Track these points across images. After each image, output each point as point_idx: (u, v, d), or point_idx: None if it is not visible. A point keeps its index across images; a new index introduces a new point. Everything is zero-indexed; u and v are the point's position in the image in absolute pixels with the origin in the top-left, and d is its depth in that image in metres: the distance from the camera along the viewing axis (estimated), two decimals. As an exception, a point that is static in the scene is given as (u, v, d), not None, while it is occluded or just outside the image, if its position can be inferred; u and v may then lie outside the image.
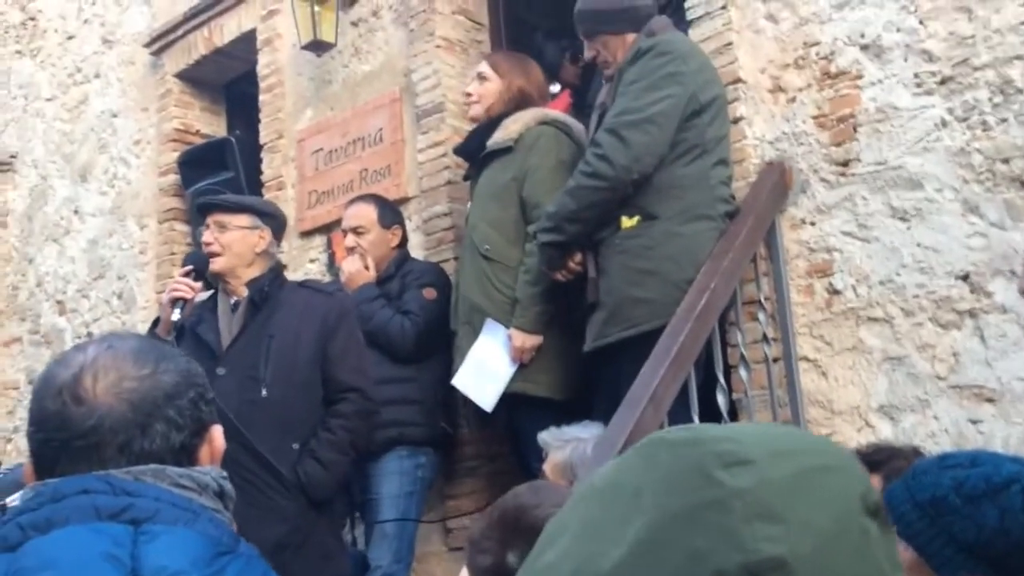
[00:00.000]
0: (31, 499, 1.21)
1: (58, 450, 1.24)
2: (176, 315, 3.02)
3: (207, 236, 3.17)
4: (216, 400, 3.04)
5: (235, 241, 3.16)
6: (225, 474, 1.36)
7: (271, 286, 3.16)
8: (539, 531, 1.43)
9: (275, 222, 3.33)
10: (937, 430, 2.93)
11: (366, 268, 3.83)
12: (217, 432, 1.39)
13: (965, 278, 2.92)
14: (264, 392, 2.99)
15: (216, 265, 3.15)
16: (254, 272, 3.18)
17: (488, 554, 1.44)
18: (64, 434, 1.24)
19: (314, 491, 3.00)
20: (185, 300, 3.06)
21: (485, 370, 3.40)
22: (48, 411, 1.25)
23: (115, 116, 6.19)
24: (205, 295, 3.25)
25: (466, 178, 3.98)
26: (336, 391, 3.12)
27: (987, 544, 1.61)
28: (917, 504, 1.69)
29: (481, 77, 3.64)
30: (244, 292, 3.15)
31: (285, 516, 2.94)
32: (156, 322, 3.20)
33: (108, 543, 1.15)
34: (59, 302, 6.32)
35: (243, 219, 3.20)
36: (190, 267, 3.11)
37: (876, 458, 2.34)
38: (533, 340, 3.36)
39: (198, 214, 3.33)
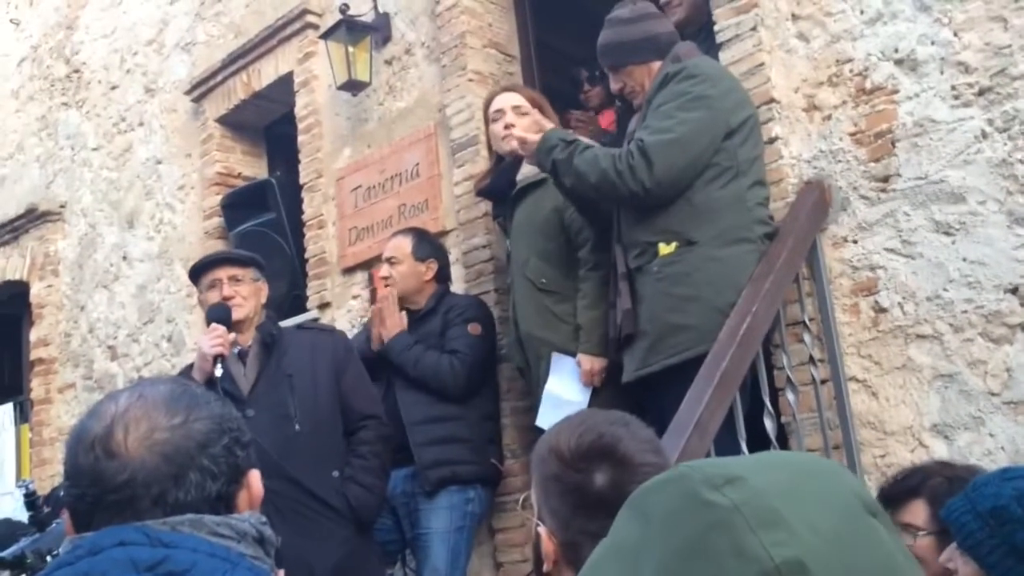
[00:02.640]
0: (69, 552, 1.22)
1: (93, 505, 1.24)
2: (219, 370, 3.12)
3: (227, 290, 3.29)
4: (258, 440, 3.10)
5: (252, 293, 3.34)
6: (265, 519, 1.35)
7: (275, 330, 3.35)
8: (629, 461, 1.50)
9: (266, 275, 3.51)
10: (993, 447, 2.85)
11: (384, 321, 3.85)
12: (255, 478, 1.38)
13: (1015, 291, 2.85)
14: (297, 427, 3.16)
15: (239, 313, 3.27)
16: (257, 322, 3.35)
17: (580, 473, 1.52)
18: (98, 489, 1.24)
19: (364, 513, 3.19)
20: (224, 356, 3.16)
21: (561, 404, 3.36)
22: (81, 466, 1.25)
23: (159, 163, 6.31)
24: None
25: (495, 216, 3.97)
26: (355, 420, 3.32)
27: None
28: (978, 515, 1.65)
29: (519, 111, 3.57)
30: (249, 339, 3.31)
31: (340, 542, 3.12)
32: (189, 368, 3.32)
33: (146, 597, 1.15)
34: (110, 347, 6.43)
35: (252, 272, 3.38)
36: (223, 325, 3.20)
37: (910, 483, 2.27)
38: (601, 363, 3.33)
39: (197, 272, 3.39)
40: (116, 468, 1.23)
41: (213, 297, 3.28)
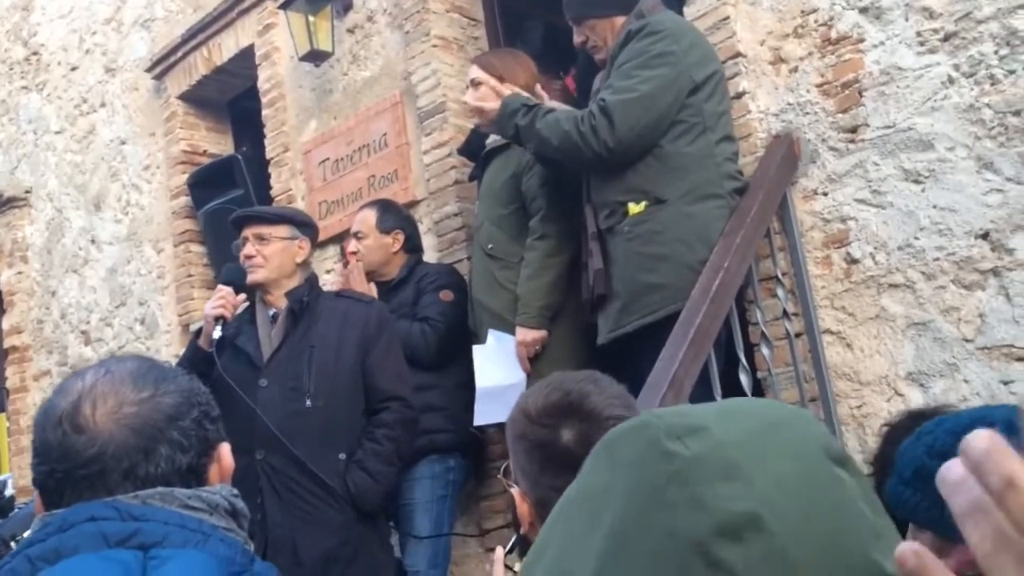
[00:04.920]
0: (39, 530, 1.20)
1: (62, 481, 1.23)
2: (218, 332, 3.03)
3: (248, 249, 3.16)
4: (260, 413, 3.02)
5: (277, 253, 3.17)
6: (236, 492, 1.34)
7: (309, 296, 3.16)
8: (597, 416, 1.49)
9: (312, 232, 3.35)
10: (968, 393, 2.87)
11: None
12: (225, 451, 1.37)
13: (985, 236, 2.86)
14: (308, 402, 3.00)
15: (258, 276, 3.15)
16: (293, 283, 3.18)
17: (546, 429, 1.52)
18: (67, 464, 1.22)
19: (364, 502, 3.00)
20: (226, 319, 3.06)
21: (499, 395, 3.28)
22: (49, 442, 1.24)
23: (123, 143, 6.22)
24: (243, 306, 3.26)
25: (471, 178, 3.95)
26: (378, 400, 3.12)
27: None
28: (907, 483, 1.71)
29: (475, 83, 3.47)
30: (283, 303, 3.15)
31: (334, 528, 2.95)
32: (198, 333, 3.21)
33: (118, 571, 1.13)
34: (84, 332, 6.37)
35: (283, 230, 3.20)
36: (229, 286, 3.11)
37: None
38: (535, 335, 3.32)
39: (232, 227, 3.31)
40: (85, 443, 1.22)
41: (241, 256, 3.18)
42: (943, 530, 1.63)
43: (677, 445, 0.58)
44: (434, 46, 4.36)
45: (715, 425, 0.60)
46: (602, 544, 0.58)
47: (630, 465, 0.60)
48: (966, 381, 2.87)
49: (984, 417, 1.69)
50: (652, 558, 0.56)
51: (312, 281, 3.27)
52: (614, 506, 0.59)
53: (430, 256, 4.18)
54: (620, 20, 3.12)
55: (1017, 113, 2.81)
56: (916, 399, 2.93)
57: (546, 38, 4.20)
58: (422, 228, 4.20)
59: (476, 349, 3.44)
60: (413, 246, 3.95)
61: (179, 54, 5.68)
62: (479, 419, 3.46)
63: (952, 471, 0.50)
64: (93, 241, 6.38)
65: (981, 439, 0.48)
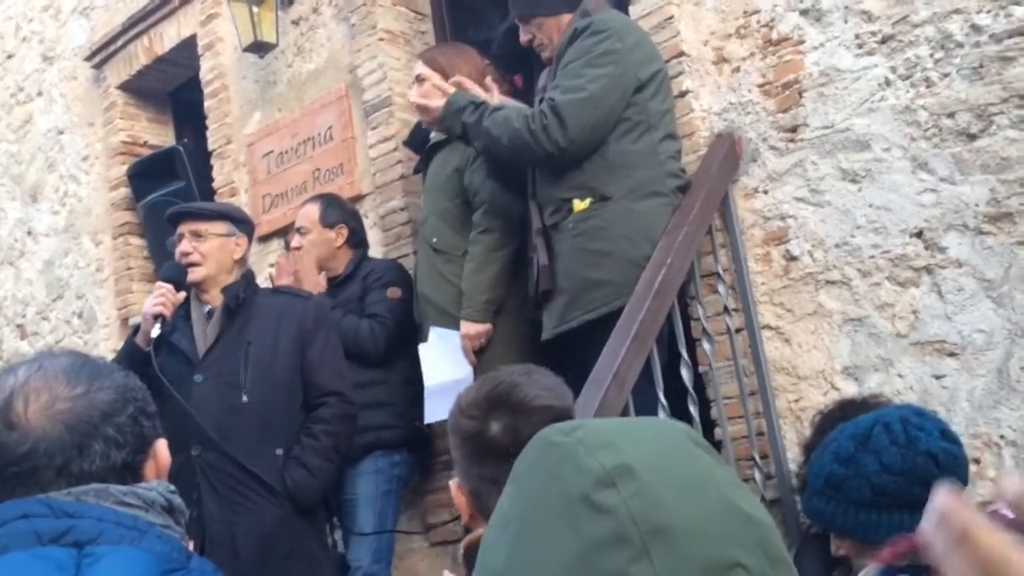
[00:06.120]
0: (-31, 529, 1.18)
1: None
2: (156, 330, 3.00)
3: (185, 246, 3.12)
4: (192, 410, 2.99)
5: (214, 249, 3.14)
6: (173, 488, 1.32)
7: (245, 293, 3.14)
8: (525, 407, 1.53)
9: (248, 228, 3.32)
10: (902, 388, 2.94)
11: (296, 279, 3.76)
12: (162, 447, 1.35)
13: (919, 235, 2.93)
14: (245, 398, 2.99)
15: (196, 275, 3.12)
16: (230, 280, 3.16)
17: (474, 420, 1.55)
18: None
19: (301, 498, 2.99)
20: (166, 317, 3.03)
21: (448, 391, 3.29)
22: None
23: (61, 133, 6.09)
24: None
25: (416, 171, 3.94)
26: (316, 396, 3.11)
27: (882, 490, 1.65)
28: (819, 492, 1.77)
29: (420, 79, 3.45)
30: (218, 300, 3.13)
31: (272, 522, 2.94)
32: (136, 330, 3.17)
33: (51, 568, 1.12)
34: (19, 326, 6.23)
35: (220, 227, 3.18)
36: (169, 283, 3.08)
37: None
38: (479, 328, 3.32)
39: (169, 223, 3.28)
40: (17, 439, 1.21)
41: (178, 254, 3.13)
42: (862, 535, 1.68)
43: (563, 437, 0.70)
44: (380, 39, 4.33)
45: (594, 423, 0.72)
46: (511, 535, 0.68)
47: (528, 469, 0.71)
48: (900, 376, 2.94)
49: (881, 419, 1.75)
50: (549, 524, 0.66)
51: (249, 278, 3.25)
52: (518, 505, 0.70)
53: (376, 251, 4.16)
54: (566, 18, 3.13)
55: (951, 115, 2.88)
56: (851, 393, 2.99)
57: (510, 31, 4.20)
58: (368, 223, 4.18)
59: (422, 348, 3.43)
60: (358, 240, 3.92)
61: (119, 43, 5.57)
62: (429, 417, 3.45)
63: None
64: (29, 233, 6.24)
65: (940, 497, 0.65)
